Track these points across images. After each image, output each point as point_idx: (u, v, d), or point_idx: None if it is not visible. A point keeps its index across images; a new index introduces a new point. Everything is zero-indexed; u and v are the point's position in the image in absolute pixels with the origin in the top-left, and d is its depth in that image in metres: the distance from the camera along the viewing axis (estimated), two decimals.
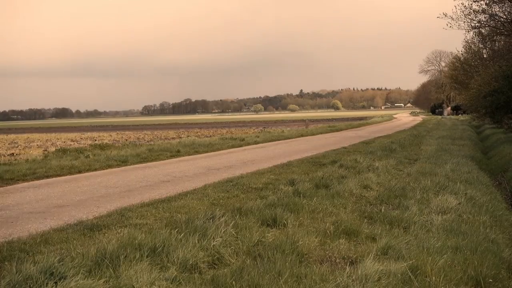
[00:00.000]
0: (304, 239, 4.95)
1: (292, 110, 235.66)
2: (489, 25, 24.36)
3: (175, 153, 16.42)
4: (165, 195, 8.09)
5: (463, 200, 7.11)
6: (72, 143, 29.47)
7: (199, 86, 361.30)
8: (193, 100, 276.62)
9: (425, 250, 4.66)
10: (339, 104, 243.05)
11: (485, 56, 37.99)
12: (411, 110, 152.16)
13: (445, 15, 23.10)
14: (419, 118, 64.38)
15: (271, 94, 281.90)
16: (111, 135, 41.00)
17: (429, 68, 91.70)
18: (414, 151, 15.22)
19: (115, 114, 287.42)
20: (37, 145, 28.88)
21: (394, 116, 76.73)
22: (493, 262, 4.47)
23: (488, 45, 34.72)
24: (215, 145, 19.19)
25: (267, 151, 17.10)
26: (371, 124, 46.10)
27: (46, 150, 21.14)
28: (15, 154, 19.79)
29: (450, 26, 23.28)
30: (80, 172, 11.95)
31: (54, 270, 3.81)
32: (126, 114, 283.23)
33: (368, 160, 11.29)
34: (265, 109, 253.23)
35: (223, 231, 5.01)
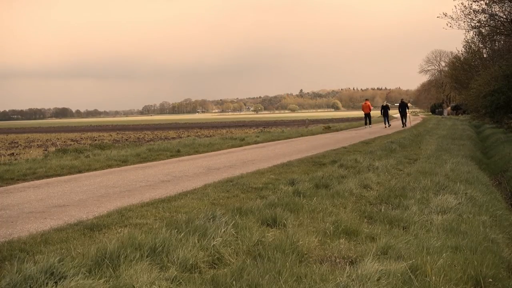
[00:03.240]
0: (304, 239, 4.95)
1: (292, 110, 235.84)
2: (489, 25, 24.39)
3: (175, 152, 16.42)
4: (165, 195, 8.09)
5: (463, 199, 7.12)
6: (72, 143, 29.46)
7: (199, 86, 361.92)
8: (193, 100, 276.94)
9: (425, 249, 4.66)
10: (339, 104, 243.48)
11: (485, 56, 38.02)
12: (411, 110, 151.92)
13: (445, 14, 23.18)
14: (419, 118, 64.32)
15: (271, 94, 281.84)
16: (111, 135, 40.99)
17: (429, 68, 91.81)
18: (414, 150, 15.22)
19: (115, 114, 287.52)
20: (37, 144, 28.87)
21: (394, 115, 76.60)
22: (493, 262, 4.47)
23: (488, 45, 34.74)
24: (215, 145, 19.18)
25: (267, 151, 17.11)
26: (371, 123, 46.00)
27: (46, 150, 21.14)
28: (15, 154, 19.80)
29: (450, 26, 23.35)
30: (80, 172, 11.96)
31: (54, 270, 3.82)
32: (126, 114, 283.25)
33: (368, 160, 11.29)
34: (265, 109, 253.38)
35: (223, 231, 5.01)
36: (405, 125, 33.45)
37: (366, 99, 36.14)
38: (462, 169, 10.56)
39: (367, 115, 34.63)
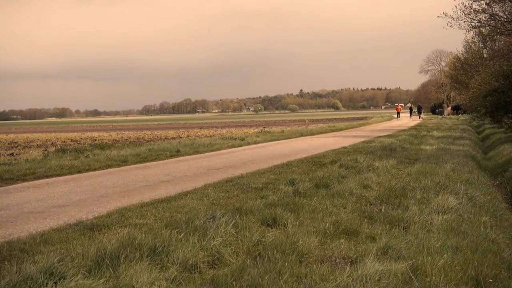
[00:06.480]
0: (304, 239, 4.95)
1: (292, 110, 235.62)
2: (489, 25, 24.34)
3: (175, 153, 16.41)
4: (165, 195, 8.09)
5: (463, 200, 7.11)
6: (72, 143, 29.44)
7: (199, 86, 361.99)
8: (193, 100, 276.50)
9: (425, 250, 4.65)
10: (339, 104, 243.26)
11: (485, 55, 37.97)
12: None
13: (446, 14, 23.11)
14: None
15: (271, 94, 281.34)
16: (111, 135, 40.96)
17: (429, 68, 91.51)
18: (414, 151, 15.22)
19: (115, 114, 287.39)
20: (37, 145, 28.85)
21: (394, 116, 76.62)
22: (493, 262, 4.47)
23: (489, 44, 34.69)
24: (215, 145, 19.18)
25: (267, 151, 17.11)
26: (371, 124, 46.06)
27: (46, 150, 21.12)
28: (15, 154, 19.78)
29: (450, 26, 23.28)
30: (80, 172, 11.95)
31: (54, 270, 3.82)
32: (126, 114, 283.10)
33: (368, 160, 11.27)
34: (265, 109, 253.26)
35: (223, 231, 5.01)
36: (421, 118, 54.49)
37: (398, 104, 68.78)
38: (463, 169, 10.55)
39: (398, 113, 62.18)
